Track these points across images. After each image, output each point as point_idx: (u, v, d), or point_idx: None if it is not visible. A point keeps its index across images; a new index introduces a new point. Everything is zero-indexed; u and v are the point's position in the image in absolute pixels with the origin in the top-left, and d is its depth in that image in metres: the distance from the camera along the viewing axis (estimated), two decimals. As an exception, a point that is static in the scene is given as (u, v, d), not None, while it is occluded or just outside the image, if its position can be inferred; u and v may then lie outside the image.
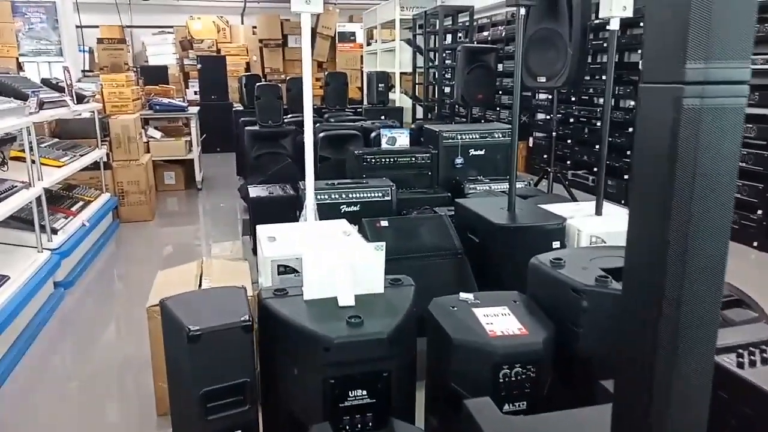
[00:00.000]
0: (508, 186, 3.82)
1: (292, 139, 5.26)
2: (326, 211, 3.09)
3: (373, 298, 1.58)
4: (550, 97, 6.72)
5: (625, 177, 5.71)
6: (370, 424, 1.46)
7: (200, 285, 2.26)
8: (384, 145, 3.97)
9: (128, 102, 5.70)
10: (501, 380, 1.46)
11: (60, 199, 4.38)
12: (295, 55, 10.83)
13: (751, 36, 0.76)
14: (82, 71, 8.00)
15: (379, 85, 6.98)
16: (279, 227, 2.58)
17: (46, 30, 6.45)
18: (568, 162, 6.53)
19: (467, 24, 7.07)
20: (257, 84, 5.45)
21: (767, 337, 1.30)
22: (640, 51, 5.71)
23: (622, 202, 5.56)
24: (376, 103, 7.04)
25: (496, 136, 4.08)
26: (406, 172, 3.88)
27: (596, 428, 1.05)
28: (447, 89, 7.59)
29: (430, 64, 7.61)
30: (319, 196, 2.94)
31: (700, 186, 0.77)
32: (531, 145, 7.46)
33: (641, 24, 5.45)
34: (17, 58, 6.66)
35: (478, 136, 4.04)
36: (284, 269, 2.25)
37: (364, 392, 1.44)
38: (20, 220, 3.59)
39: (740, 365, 1.19)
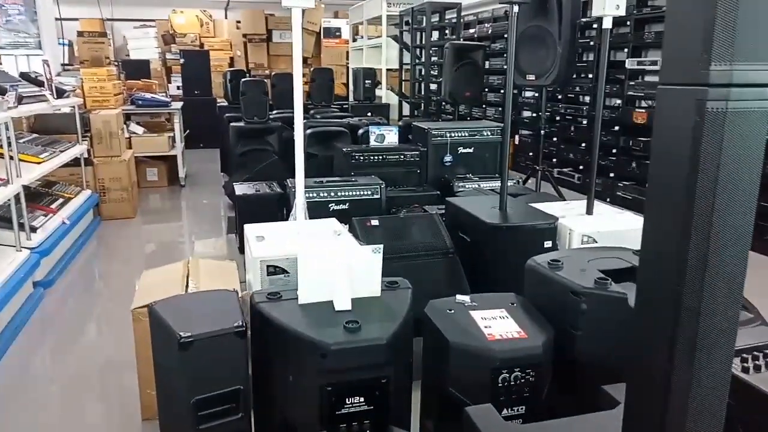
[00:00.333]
0: (497, 184, 3.83)
1: (278, 136, 5.19)
2: (315, 209, 3.04)
3: (370, 302, 1.54)
4: (536, 94, 6.72)
5: (611, 175, 5.74)
6: (368, 432, 1.42)
7: (187, 286, 2.19)
8: (372, 143, 3.93)
9: (110, 97, 5.58)
10: (500, 385, 1.43)
11: (39, 196, 4.27)
12: (280, 51, 10.72)
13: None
14: (62, 65, 7.82)
15: (366, 81, 6.93)
16: (267, 226, 2.52)
17: (25, 22, 6.27)
18: (554, 160, 6.55)
19: (454, 21, 7.04)
20: (242, 80, 5.37)
21: (768, 340, 1.29)
22: (626, 50, 5.73)
23: (608, 200, 5.59)
24: (363, 99, 6.99)
25: (485, 134, 4.06)
26: (395, 169, 3.85)
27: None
28: (433, 86, 7.56)
29: (417, 60, 7.57)
30: (307, 194, 2.89)
31: (722, 194, 0.74)
32: (517, 142, 7.47)
33: (628, 23, 5.47)
34: (-6, 51, 6.47)
35: (467, 134, 4.02)
36: (274, 270, 2.20)
37: (362, 399, 1.40)
38: (-2, 218, 3.49)
39: (745, 370, 1.17)
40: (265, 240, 2.35)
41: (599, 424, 1.12)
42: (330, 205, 3.27)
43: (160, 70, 9.79)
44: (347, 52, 10.51)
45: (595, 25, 5.85)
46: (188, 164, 6.88)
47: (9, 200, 3.29)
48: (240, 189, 3.75)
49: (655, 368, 0.84)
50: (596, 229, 2.63)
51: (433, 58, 7.30)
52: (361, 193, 3.28)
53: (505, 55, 7.29)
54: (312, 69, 7.40)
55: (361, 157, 3.81)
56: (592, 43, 5.91)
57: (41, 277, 3.54)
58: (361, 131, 4.76)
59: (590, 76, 5.98)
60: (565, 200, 3.60)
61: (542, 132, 4.79)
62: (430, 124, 4.15)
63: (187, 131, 7.34)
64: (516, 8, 2.45)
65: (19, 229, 3.41)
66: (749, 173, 0.75)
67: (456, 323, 1.51)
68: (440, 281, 2.60)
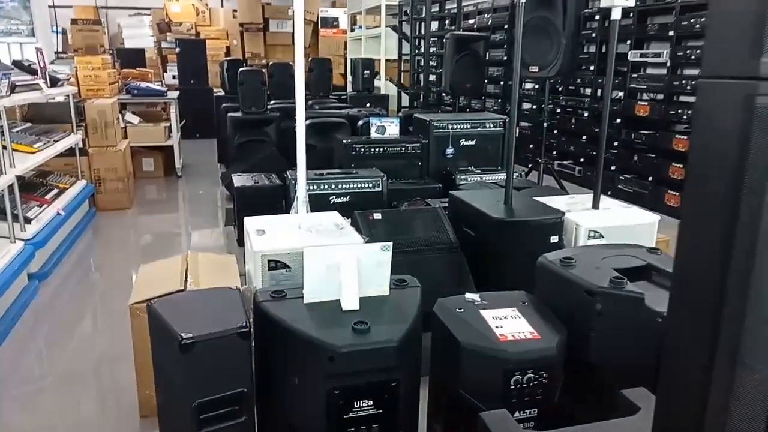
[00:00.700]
0: (499, 177, 3.78)
1: (276, 127, 5.12)
2: (315, 202, 2.97)
3: (379, 302, 1.49)
4: (536, 86, 6.66)
5: (612, 168, 5.70)
6: (377, 436, 1.37)
7: (186, 281, 2.14)
8: (373, 134, 3.87)
9: (104, 86, 5.49)
10: (512, 387, 1.39)
11: (33, 186, 4.19)
12: (277, 40, 10.61)
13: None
14: (55, 53, 7.71)
15: (365, 72, 6.85)
16: (268, 219, 2.46)
17: (17, 9, 6.16)
18: (555, 152, 6.50)
19: (454, 11, 6.96)
20: (240, 69, 5.28)
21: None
22: (628, 42, 5.66)
23: (609, 193, 5.55)
24: (362, 90, 6.91)
25: (488, 126, 4.00)
26: (396, 162, 3.79)
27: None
28: (432, 77, 7.48)
29: (416, 51, 7.50)
30: (308, 187, 2.83)
31: (772, 198, 0.69)
32: (516, 134, 7.40)
33: (630, 15, 5.40)
34: (-14, 38, 6.35)
35: (469, 126, 3.96)
36: (275, 264, 2.15)
37: (371, 403, 1.36)
38: (-9, 209, 3.41)
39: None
40: (266, 234, 2.29)
41: (623, 430, 1.08)
42: (331, 198, 3.21)
43: (155, 59, 9.67)
44: (345, 42, 10.41)
45: (597, 17, 5.78)
46: (184, 155, 6.80)
47: (2, 191, 3.22)
48: (239, 181, 3.69)
49: (690, 378, 0.79)
50: (603, 224, 2.59)
51: (432, 49, 7.23)
52: (363, 185, 3.23)
53: (505, 46, 7.21)
54: (310, 59, 7.31)
55: (362, 149, 3.75)
56: (594, 34, 5.84)
57: (36, 269, 3.47)
58: (360, 122, 4.69)
59: (591, 68, 5.92)
60: (568, 194, 3.55)
61: (545, 125, 4.72)
62: (432, 116, 4.09)
63: (183, 121, 7.25)
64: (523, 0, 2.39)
65: (13, 221, 3.33)
66: (801, 175, 0.69)
67: (466, 323, 1.46)
68: (444, 277, 2.56)
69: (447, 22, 7.67)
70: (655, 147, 5.22)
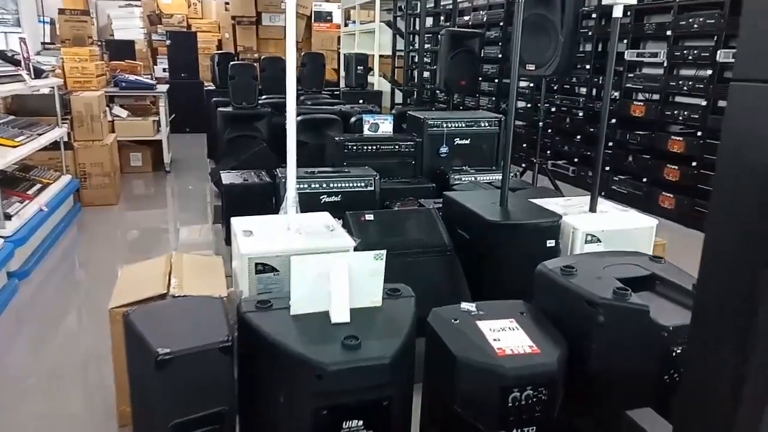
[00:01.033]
0: (494, 177, 3.71)
1: (268, 122, 5.02)
2: (305, 201, 2.88)
3: (371, 314, 1.41)
4: (531, 84, 6.59)
5: (606, 169, 5.64)
6: (367, 457, 1.29)
7: (169, 283, 2.05)
8: (366, 132, 3.78)
9: (92, 78, 5.36)
10: (510, 404, 1.31)
11: (15, 181, 4.07)
12: (270, 34, 10.48)
13: None
14: (42, 43, 7.55)
15: (358, 67, 6.76)
16: (256, 220, 2.38)
17: (2, -2, 6.00)
18: (548, 152, 6.44)
19: (449, 7, 6.88)
20: (231, 63, 5.17)
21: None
22: (625, 41, 5.61)
23: (603, 194, 5.49)
24: (355, 86, 6.82)
25: (483, 124, 3.93)
26: (389, 160, 3.71)
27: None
28: (426, 74, 7.40)
29: (411, 47, 7.41)
30: (298, 186, 2.74)
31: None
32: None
33: (628, 13, 5.34)
34: (-30, 27, 6.19)
35: (464, 125, 3.89)
36: (263, 267, 2.07)
37: (360, 423, 1.28)
38: (-30, 204, 3.30)
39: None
40: (254, 235, 2.20)
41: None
42: (322, 197, 3.13)
43: (145, 51, 9.51)
44: (338, 37, 10.30)
45: (594, 15, 5.72)
46: (174, 149, 6.68)
47: (-19, 186, 3.11)
48: (227, 178, 3.59)
49: (715, 413, 0.72)
50: (600, 228, 2.53)
51: (427, 45, 7.14)
52: (355, 185, 3.14)
53: (500, 43, 7.14)
54: (302, 54, 7.20)
55: (354, 147, 3.67)
56: (590, 33, 5.78)
57: (16, 267, 3.36)
58: (353, 119, 4.60)
59: (587, 67, 5.86)
60: (563, 195, 3.48)
61: (540, 124, 4.65)
62: (426, 114, 4.01)
63: (173, 115, 7.12)
64: (524, -7, 2.31)
65: (-8, 217, 3.23)
66: None
67: (462, 335, 1.39)
68: (438, 280, 2.48)
69: (442, 18, 7.58)
70: (651, 148, 5.17)
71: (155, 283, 2.02)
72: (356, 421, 1.27)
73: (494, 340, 1.38)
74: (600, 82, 5.76)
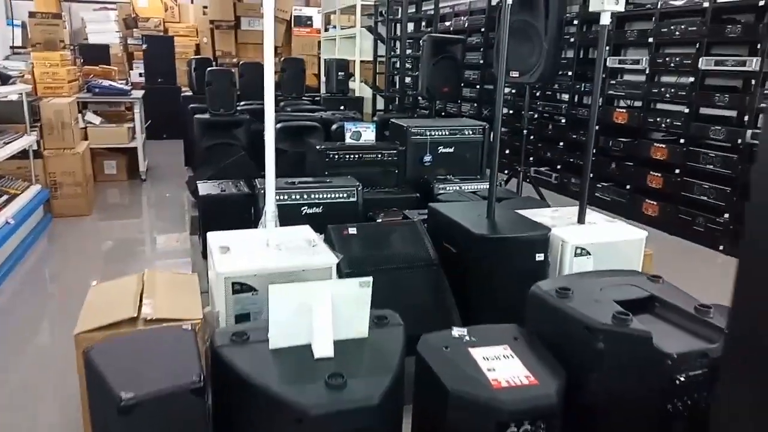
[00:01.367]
0: (478, 186, 3.64)
1: (246, 129, 4.90)
2: (285, 213, 2.78)
3: (356, 346, 1.31)
4: (513, 91, 6.56)
5: (590, 176, 5.61)
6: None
7: (140, 305, 1.93)
8: (348, 140, 3.69)
9: (63, 84, 5.19)
10: (505, 439, 1.23)
11: (-19, 191, 3.90)
12: (249, 38, 10.33)
13: None
14: (11, 47, 7.31)
15: (339, 73, 6.66)
16: (233, 235, 2.27)
17: (-31, 0, 5.79)
18: (531, 158, 6.41)
19: (431, 13, 6.82)
20: (208, 69, 5.04)
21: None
22: (607, 47, 5.60)
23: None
24: (336, 92, 6.72)
25: (467, 133, 3.87)
26: (372, 169, 3.62)
27: None
28: (408, 80, 7.34)
29: (392, 53, 7.33)
30: (278, 197, 2.64)
31: None
32: (492, 139, 7.30)
33: (609, 20, 5.32)
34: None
35: (447, 133, 3.82)
36: (240, 287, 1.96)
37: (345, 468, 1.18)
38: (-70, 217, 3.13)
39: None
40: (231, 252, 2.10)
41: None
42: (303, 209, 3.02)
43: (121, 55, 9.30)
44: (319, 42, 10.19)
45: (575, 21, 5.70)
46: (150, 156, 6.51)
47: (-59, 199, 2.94)
48: (204, 188, 3.46)
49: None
50: (590, 241, 2.46)
51: (408, 51, 7.07)
52: (337, 195, 3.05)
53: (481, 49, 7.11)
54: (282, 59, 7.09)
55: (336, 156, 3.57)
56: (572, 39, 5.76)
57: (-20, 283, 3.20)
58: (334, 127, 4.51)
59: (569, 73, 5.84)
60: (549, 204, 3.42)
61: (525, 132, 4.60)
62: (409, 122, 3.93)
63: (149, 121, 6.95)
64: (510, 0, 2.24)
65: (-47, 231, 3.06)
66: None
67: (455, 365, 1.30)
68: (423, 295, 2.40)
69: (423, 23, 7.52)
70: (633, 155, 5.16)
71: (125, 305, 1.90)
72: (340, 466, 1.17)
73: (488, 369, 1.29)
74: (582, 88, 5.76)
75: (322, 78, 8.54)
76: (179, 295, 2.03)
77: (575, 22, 5.72)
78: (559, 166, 6.09)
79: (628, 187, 5.22)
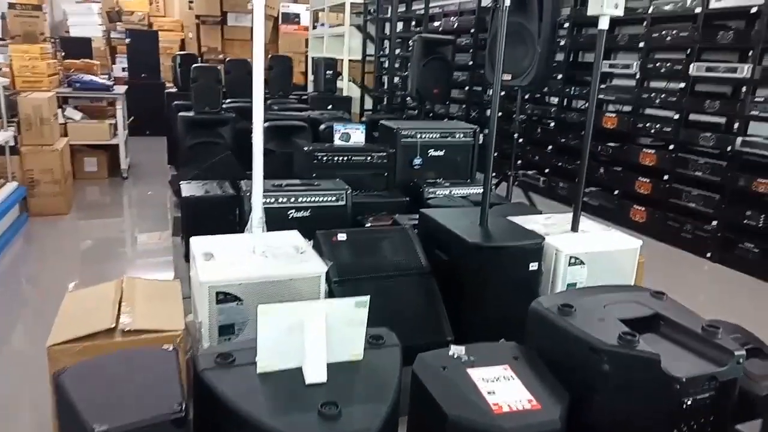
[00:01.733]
0: (469, 191, 3.58)
1: (232, 128, 4.79)
2: (272, 216, 2.68)
3: (351, 370, 1.23)
4: (503, 93, 6.51)
5: (577, 180, 5.59)
6: None
7: (119, 314, 1.83)
8: (337, 142, 3.60)
9: (42, 78, 5.05)
10: (506, 467, 1.16)
11: (-47, 189, 3.75)
12: (236, 35, 10.20)
13: None
14: (-11, 39, 7.10)
15: (327, 72, 6.57)
16: (217, 240, 2.18)
17: (-56, -11, 5.61)
18: (519, 161, 6.37)
19: (421, 12, 6.76)
20: (193, 66, 4.92)
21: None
22: (597, 51, 5.58)
23: (573, 205, 5.44)
24: (324, 91, 6.62)
25: (458, 135, 3.81)
26: (361, 172, 3.54)
27: None
28: (396, 79, 7.27)
29: (381, 52, 7.26)
30: (264, 199, 2.55)
31: None
32: (481, 142, 7.25)
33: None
34: None
35: (438, 136, 3.75)
36: (224, 296, 1.87)
37: (337, 504, 1.10)
38: None
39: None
40: (215, 259, 2.01)
41: None
42: (290, 212, 2.93)
43: (103, 49, 9.10)
44: (306, 40, 10.08)
45: (566, 25, 5.67)
46: (132, 154, 6.36)
47: None
48: (187, 189, 3.35)
49: None
50: (584, 250, 2.42)
51: (397, 51, 7.01)
52: (325, 199, 2.96)
53: (471, 50, 7.06)
54: (269, 56, 6.97)
55: (324, 158, 3.48)
56: (562, 43, 5.73)
57: (-50, 285, 3.07)
58: (323, 127, 4.42)
59: (559, 77, 5.81)
60: (540, 211, 3.38)
61: (515, 135, 4.56)
62: (399, 124, 3.85)
63: (132, 118, 6.79)
64: (508, 1, 2.18)
65: None
66: None
67: (453, 389, 1.23)
68: (414, 304, 2.33)
69: (413, 23, 7.46)
70: (622, 160, 5.14)
71: (102, 314, 1.80)
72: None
73: (489, 393, 1.23)
74: (572, 92, 5.73)
75: (310, 76, 8.44)
76: (160, 303, 1.94)
77: (566, 25, 5.69)
78: (547, 170, 6.06)
79: (616, 192, 5.20)
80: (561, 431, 1.21)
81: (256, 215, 2.13)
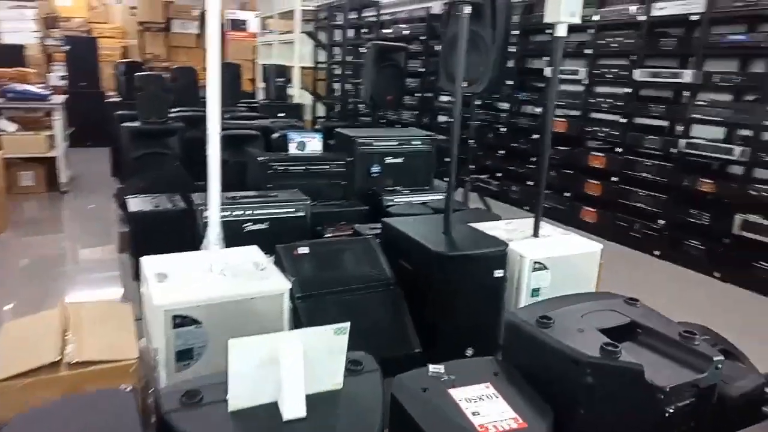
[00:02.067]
0: (428, 198, 3.55)
1: (180, 138, 4.60)
2: (226, 230, 2.58)
3: (331, 401, 1.14)
4: (453, 99, 6.56)
5: (528, 183, 5.69)
6: None
7: (64, 345, 1.69)
8: (292, 151, 3.51)
9: (-29, 87, 4.71)
10: (492, 491, 1.11)
11: None
12: (181, 42, 9.92)
13: None
14: None
15: (278, 79, 6.44)
16: (171, 259, 2.06)
17: None
18: (471, 166, 6.41)
19: (372, 19, 6.73)
20: (137, 74, 4.71)
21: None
22: (544, 58, 5.70)
23: (526, 208, 5.53)
24: (275, 98, 6.49)
25: (415, 143, 3.77)
26: (318, 181, 3.45)
27: None
28: (348, 86, 7.22)
29: (332, 59, 7.18)
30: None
31: None
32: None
33: (547, 31, 5.42)
34: None
35: (396, 143, 3.71)
36: (182, 320, 1.76)
37: None
38: None
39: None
40: (169, 279, 1.89)
41: None
42: (245, 225, 2.82)
43: (39, 57, 8.65)
44: (254, 47, 9.89)
45: (516, 32, 5.75)
46: (73, 166, 6.04)
47: None
48: (134, 204, 3.17)
49: None
50: (547, 255, 2.43)
51: (348, 58, 6.96)
52: (283, 210, 2.86)
53: (422, 57, 7.09)
54: (217, 63, 6.78)
55: (280, 167, 3.38)
56: (512, 50, 5.81)
57: None
58: (276, 135, 4.30)
59: (509, 82, 5.90)
60: (499, 216, 3.38)
61: (471, 141, 4.57)
62: (356, 131, 3.79)
63: (73, 128, 6.46)
64: (468, 9, 2.15)
65: None
66: None
67: (436, 412, 1.17)
68: (381, 317, 2.27)
69: (363, 30, 7.42)
70: (572, 163, 5.25)
71: (47, 346, 1.66)
72: None
73: (473, 414, 1.18)
74: (521, 98, 5.83)
75: (260, 84, 8.27)
76: (110, 330, 1.80)
77: (515, 32, 5.77)
78: (499, 174, 6.14)
79: (567, 194, 5.30)
80: (547, 449, 1.18)
81: (213, 231, 2.02)
